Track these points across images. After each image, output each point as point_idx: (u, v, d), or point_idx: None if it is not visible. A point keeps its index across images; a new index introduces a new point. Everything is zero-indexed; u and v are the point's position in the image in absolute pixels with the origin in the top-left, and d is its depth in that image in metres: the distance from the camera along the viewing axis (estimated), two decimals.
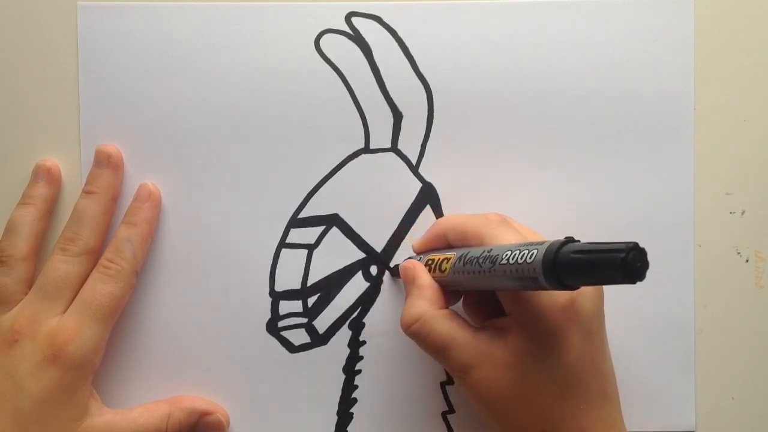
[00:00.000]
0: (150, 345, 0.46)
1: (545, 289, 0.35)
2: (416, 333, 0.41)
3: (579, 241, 0.35)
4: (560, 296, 0.38)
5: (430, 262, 0.43)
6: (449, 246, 0.43)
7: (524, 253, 0.36)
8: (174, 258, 0.46)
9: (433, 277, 0.42)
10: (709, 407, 0.47)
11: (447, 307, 0.42)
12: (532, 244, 0.36)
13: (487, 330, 0.40)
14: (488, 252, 0.38)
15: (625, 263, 0.32)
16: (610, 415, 0.40)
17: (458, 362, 0.40)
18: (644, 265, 0.32)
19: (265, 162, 0.46)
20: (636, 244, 0.32)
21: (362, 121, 0.46)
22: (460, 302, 0.44)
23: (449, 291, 0.42)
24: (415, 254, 0.46)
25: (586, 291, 0.39)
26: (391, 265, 0.46)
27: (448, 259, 0.41)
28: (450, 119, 0.46)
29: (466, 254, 0.40)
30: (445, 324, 0.40)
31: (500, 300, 0.41)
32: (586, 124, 0.46)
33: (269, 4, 0.46)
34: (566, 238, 0.35)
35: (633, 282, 0.32)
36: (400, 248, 0.46)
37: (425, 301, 0.41)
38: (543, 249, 0.35)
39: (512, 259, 0.36)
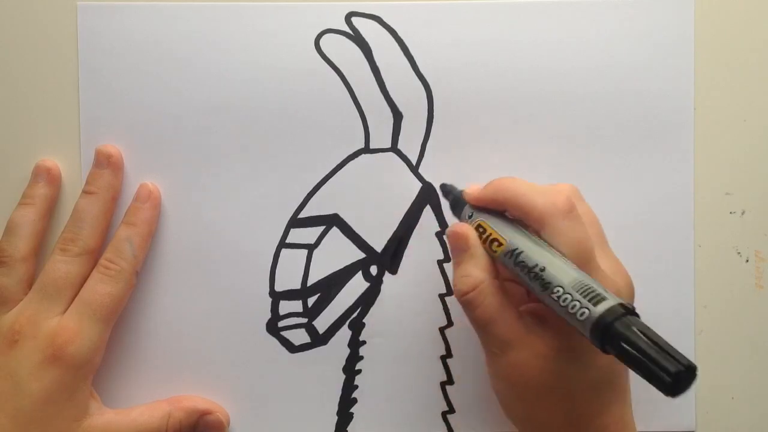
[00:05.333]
0: (150, 345, 0.46)
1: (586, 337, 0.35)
2: (470, 301, 0.40)
3: (635, 312, 0.35)
4: None
5: (480, 230, 0.41)
6: (504, 210, 0.42)
7: (575, 305, 0.35)
8: (174, 258, 0.46)
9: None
10: (709, 407, 0.47)
11: (498, 277, 0.41)
12: (588, 292, 0.35)
13: (529, 316, 0.40)
14: (541, 271, 0.37)
15: (671, 383, 0.31)
16: (627, 413, 0.41)
17: (499, 339, 0.39)
18: (689, 384, 0.32)
19: (265, 162, 0.46)
20: (689, 367, 0.32)
21: (362, 121, 0.46)
22: None
23: None
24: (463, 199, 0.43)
25: None
26: (392, 264, 0.46)
27: (500, 244, 0.40)
28: (450, 119, 0.46)
29: (519, 253, 0.39)
30: (496, 298, 0.39)
31: None
32: (585, 124, 0.46)
33: (269, 4, 0.46)
34: (622, 306, 0.34)
35: (673, 397, 0.32)
36: (399, 248, 0.47)
37: (481, 270, 0.40)
38: (595, 316, 0.34)
39: (563, 302, 0.36)
